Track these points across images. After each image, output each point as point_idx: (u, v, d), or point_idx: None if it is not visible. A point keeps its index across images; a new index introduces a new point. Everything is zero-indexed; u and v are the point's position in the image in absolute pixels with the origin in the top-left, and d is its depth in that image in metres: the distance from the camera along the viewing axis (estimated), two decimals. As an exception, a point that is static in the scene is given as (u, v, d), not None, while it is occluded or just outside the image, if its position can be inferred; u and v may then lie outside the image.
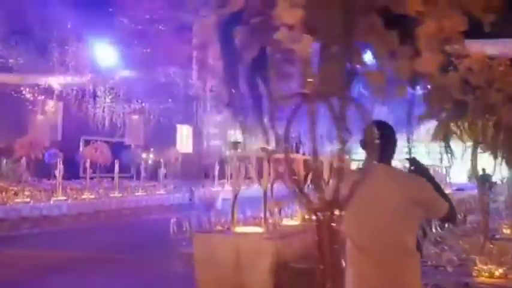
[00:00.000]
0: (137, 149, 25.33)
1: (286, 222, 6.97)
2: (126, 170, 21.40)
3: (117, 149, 21.73)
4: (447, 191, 16.91)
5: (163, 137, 31.56)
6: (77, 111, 26.68)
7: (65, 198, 12.70)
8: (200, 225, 7.45)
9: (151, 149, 30.36)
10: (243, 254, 5.83)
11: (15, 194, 12.03)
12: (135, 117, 31.04)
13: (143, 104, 20.65)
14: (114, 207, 13.43)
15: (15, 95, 18.47)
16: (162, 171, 16.33)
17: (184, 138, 32.17)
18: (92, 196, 13.54)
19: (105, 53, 14.16)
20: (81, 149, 29.56)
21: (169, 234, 7.21)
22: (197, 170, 27.15)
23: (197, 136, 29.49)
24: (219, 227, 6.65)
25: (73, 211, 12.22)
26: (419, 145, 24.00)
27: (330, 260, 1.44)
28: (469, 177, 11.61)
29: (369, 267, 2.33)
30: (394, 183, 2.42)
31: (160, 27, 11.79)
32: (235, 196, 6.57)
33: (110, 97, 20.90)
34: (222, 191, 17.96)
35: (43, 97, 20.37)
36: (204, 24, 1.35)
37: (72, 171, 23.77)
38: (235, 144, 31.54)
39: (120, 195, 14.49)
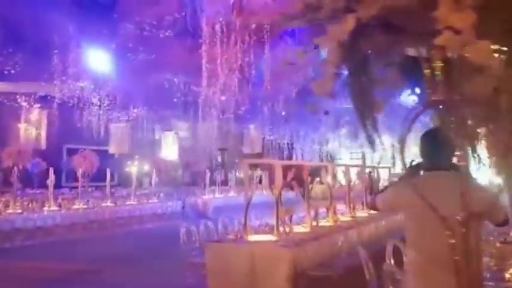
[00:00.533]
0: (122, 158, 25.08)
1: (297, 229, 6.94)
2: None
3: (102, 157, 21.49)
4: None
5: (148, 144, 31.32)
6: (61, 119, 26.28)
7: (57, 208, 12.43)
8: (209, 234, 7.38)
9: (136, 157, 30.18)
10: (258, 263, 5.77)
11: (6, 204, 11.72)
12: (120, 125, 30.80)
13: (135, 111, 20.29)
14: (107, 217, 13.19)
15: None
16: (154, 179, 16.08)
17: (169, 146, 32.02)
18: (85, 206, 13.28)
19: (100, 60, 13.93)
20: (64, 157, 29.24)
21: (174, 243, 7.10)
22: (185, 177, 27.01)
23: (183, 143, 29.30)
24: (231, 236, 6.59)
25: (66, 221, 11.96)
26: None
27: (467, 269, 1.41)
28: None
29: (443, 278, 2.30)
30: (462, 190, 2.41)
31: (162, 33, 11.69)
32: (248, 204, 6.49)
33: (104, 104, 20.65)
34: (213, 199, 17.86)
35: (27, 105, 19.99)
36: (336, 30, 1.32)
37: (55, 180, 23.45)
38: (222, 151, 31.60)
39: (113, 204, 14.24)
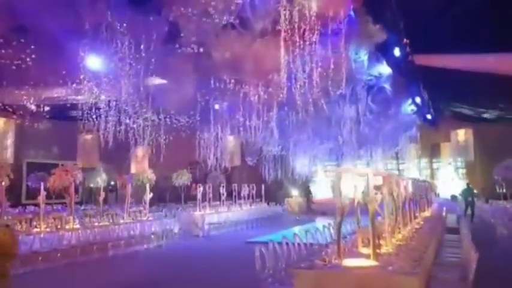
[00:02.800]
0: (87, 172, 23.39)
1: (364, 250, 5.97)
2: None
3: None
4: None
5: (118, 158, 29.64)
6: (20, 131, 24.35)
7: (48, 229, 10.88)
8: (277, 257, 6.31)
9: (102, 171, 28.39)
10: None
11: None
12: (88, 136, 28.90)
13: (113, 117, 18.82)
14: (108, 238, 11.71)
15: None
16: (148, 195, 14.68)
17: (139, 160, 30.39)
18: (77, 226, 11.76)
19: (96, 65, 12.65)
20: (24, 173, 27.04)
21: (229, 269, 6.01)
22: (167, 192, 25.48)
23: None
24: (318, 261, 5.56)
25: (63, 245, 10.44)
26: (408, 163, 23.96)
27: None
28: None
29: None
30: None
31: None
32: (340, 222, 5.50)
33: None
34: (206, 215, 16.63)
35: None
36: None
37: (14, 197, 21.45)
38: (193, 164, 30.22)
39: (107, 223, 12.76)
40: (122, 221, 13.26)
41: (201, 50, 11.99)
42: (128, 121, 21.62)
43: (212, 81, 14.35)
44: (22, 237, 9.55)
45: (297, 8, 9.30)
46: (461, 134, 24.19)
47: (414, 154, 26.83)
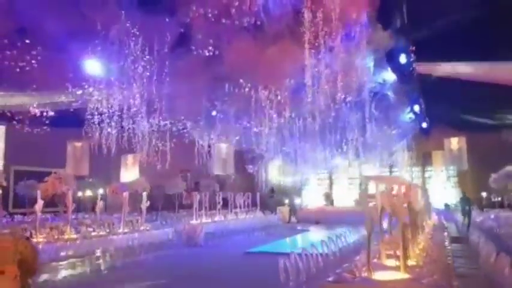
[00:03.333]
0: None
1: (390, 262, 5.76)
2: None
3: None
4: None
5: (109, 166, 29.13)
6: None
7: (45, 239, 10.47)
8: (297, 269, 6.06)
9: (91, 179, 27.81)
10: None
11: None
12: (78, 144, 28.33)
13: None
14: (106, 248, 11.32)
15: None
16: (144, 204, 14.28)
17: (129, 168, 29.93)
18: (74, 235, 11.35)
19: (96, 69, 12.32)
20: (11, 180, 26.34)
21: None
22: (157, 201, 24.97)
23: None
24: (346, 274, 5.34)
25: (62, 256, 10.04)
26: (400, 170, 23.88)
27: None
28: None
29: None
30: None
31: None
32: (370, 233, 5.28)
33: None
34: (204, 224, 16.28)
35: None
36: None
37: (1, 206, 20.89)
38: (184, 172, 29.77)
39: (105, 233, 12.36)
40: (119, 231, 12.86)
41: (216, 52, 11.74)
42: (121, 127, 21.24)
43: (225, 86, 14.04)
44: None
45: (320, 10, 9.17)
46: (455, 143, 24.23)
47: (407, 162, 26.83)
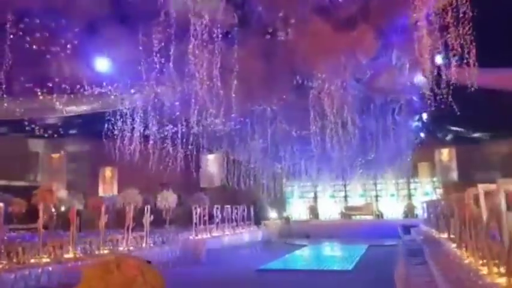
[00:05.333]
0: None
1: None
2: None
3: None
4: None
5: (86, 179, 27.89)
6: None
7: (48, 260, 9.37)
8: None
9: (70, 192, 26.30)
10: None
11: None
12: (55, 155, 26.90)
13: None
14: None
15: None
16: (148, 218, 13.27)
17: (108, 180, 28.66)
18: (79, 255, 10.26)
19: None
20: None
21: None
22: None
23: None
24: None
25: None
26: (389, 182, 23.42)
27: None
28: None
29: None
30: None
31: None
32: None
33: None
34: (206, 240, 15.36)
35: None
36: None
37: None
38: (164, 186, 28.57)
39: (107, 251, 11.30)
40: (122, 248, 11.82)
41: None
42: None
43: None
44: (24, 271, 8.07)
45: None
46: (445, 154, 24.16)
47: (393, 174, 26.63)
